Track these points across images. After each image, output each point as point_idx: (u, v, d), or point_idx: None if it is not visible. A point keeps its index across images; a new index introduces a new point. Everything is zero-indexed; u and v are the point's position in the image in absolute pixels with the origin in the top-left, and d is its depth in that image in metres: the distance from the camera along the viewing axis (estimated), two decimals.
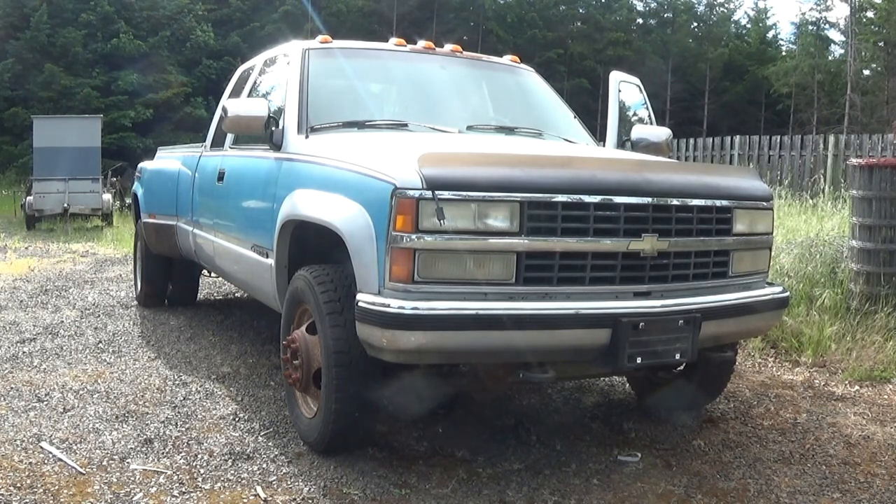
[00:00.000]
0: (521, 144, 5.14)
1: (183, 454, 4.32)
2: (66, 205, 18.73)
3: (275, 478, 4.04)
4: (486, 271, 3.67)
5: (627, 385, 5.66)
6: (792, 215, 10.83)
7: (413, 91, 5.83)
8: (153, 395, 5.33)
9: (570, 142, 5.60)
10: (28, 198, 19.24)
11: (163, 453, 4.33)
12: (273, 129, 5.15)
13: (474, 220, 3.62)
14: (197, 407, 5.12)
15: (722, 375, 5.08)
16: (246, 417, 4.93)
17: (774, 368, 6.38)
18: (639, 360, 3.87)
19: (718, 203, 4.19)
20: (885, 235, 7.06)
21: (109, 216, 19.84)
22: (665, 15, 57.31)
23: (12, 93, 34.54)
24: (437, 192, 3.56)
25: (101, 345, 6.65)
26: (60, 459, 4.19)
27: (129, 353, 6.44)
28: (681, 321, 3.95)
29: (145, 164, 8.68)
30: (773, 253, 4.85)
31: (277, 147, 5.12)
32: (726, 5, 60.37)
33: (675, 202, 3.99)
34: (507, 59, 6.53)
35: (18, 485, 3.88)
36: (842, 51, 50.04)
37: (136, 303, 8.55)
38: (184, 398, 5.29)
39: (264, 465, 4.19)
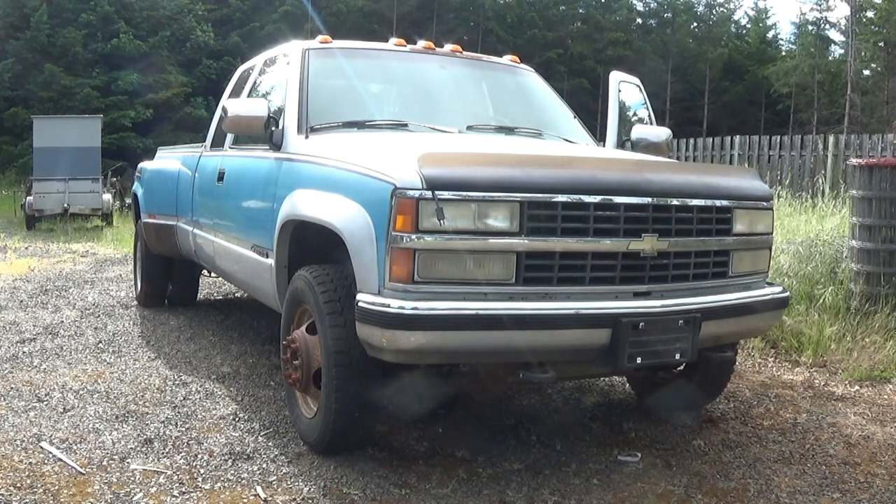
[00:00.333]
0: (520, 144, 5.14)
1: (183, 454, 4.32)
2: (66, 205, 18.74)
3: (275, 478, 4.04)
4: (486, 271, 3.67)
5: (627, 385, 5.66)
6: (792, 215, 10.83)
7: (413, 91, 5.83)
8: (153, 395, 5.33)
9: (570, 142, 5.60)
10: (28, 198, 19.24)
11: (163, 453, 4.33)
12: (273, 129, 5.15)
13: (474, 220, 3.62)
14: (197, 407, 5.12)
15: (722, 375, 5.08)
16: (246, 417, 4.93)
17: (774, 368, 6.38)
18: (639, 360, 3.87)
19: (718, 203, 4.19)
20: (885, 235, 7.06)
21: (109, 216, 19.84)
22: (665, 15, 57.33)
23: (12, 93, 34.55)
24: (437, 192, 3.56)
25: (101, 345, 6.65)
26: (60, 459, 4.19)
27: (129, 353, 6.44)
28: (681, 321, 3.95)
29: (145, 164, 8.68)
30: (773, 253, 4.84)
31: (277, 147, 5.12)
32: (726, 5, 60.43)
33: (675, 202, 3.99)
34: (506, 59, 6.53)
35: (18, 485, 3.88)
36: (842, 51, 50.08)
37: (136, 303, 8.55)
38: (184, 398, 5.29)
39: (264, 465, 4.19)
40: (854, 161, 7.54)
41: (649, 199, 3.91)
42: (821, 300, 7.24)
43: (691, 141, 18.92)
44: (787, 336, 6.85)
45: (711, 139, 18.81)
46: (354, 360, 3.95)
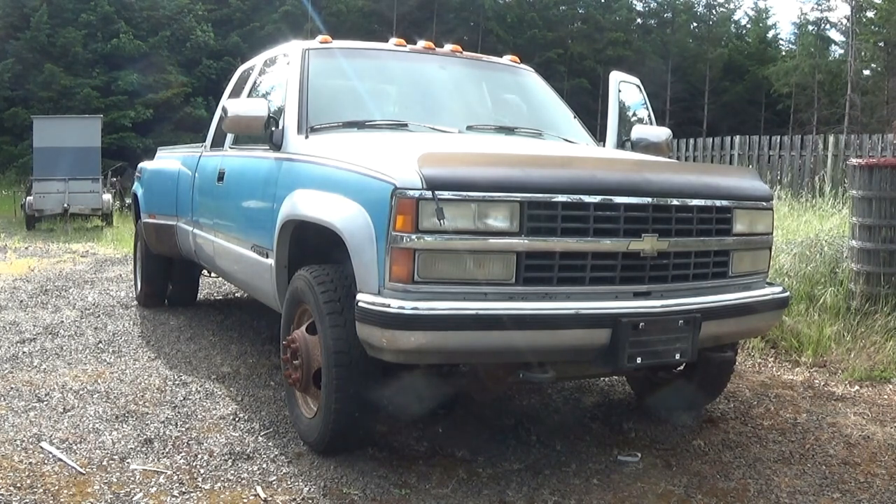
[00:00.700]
0: (520, 144, 5.14)
1: (183, 454, 4.32)
2: (66, 205, 18.74)
3: (275, 478, 4.04)
4: (486, 271, 3.67)
5: (627, 385, 5.66)
6: (792, 216, 10.82)
7: (413, 91, 5.83)
8: (153, 395, 5.33)
9: (570, 142, 5.60)
10: (28, 198, 19.24)
11: (163, 453, 4.33)
12: (273, 129, 5.15)
13: (474, 220, 3.62)
14: (197, 407, 5.12)
15: (722, 375, 5.08)
16: (246, 417, 4.93)
17: (774, 368, 6.38)
18: (639, 360, 3.87)
19: (718, 203, 4.19)
20: (885, 235, 7.06)
21: (109, 216, 19.85)
22: (665, 15, 57.33)
23: (12, 93, 34.56)
24: (437, 192, 3.56)
25: (101, 345, 6.66)
26: (60, 459, 4.19)
27: (129, 353, 6.44)
28: (681, 321, 3.95)
29: (145, 165, 8.68)
30: (773, 253, 4.85)
31: (277, 147, 5.12)
32: (726, 5, 60.45)
33: (675, 202, 3.99)
34: (506, 59, 6.53)
35: (18, 485, 3.88)
36: (842, 51, 50.10)
37: (136, 303, 8.55)
38: (184, 398, 5.29)
39: (264, 465, 4.19)
40: (854, 161, 7.55)
41: (649, 199, 3.91)
42: (821, 300, 7.25)
43: (691, 141, 18.92)
44: (787, 336, 6.85)
45: (711, 139, 18.81)
46: (354, 360, 3.95)
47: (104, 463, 4.18)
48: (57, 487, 3.87)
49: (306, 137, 4.96)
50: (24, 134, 29.99)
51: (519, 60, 6.56)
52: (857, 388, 5.85)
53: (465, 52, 6.23)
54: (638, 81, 6.89)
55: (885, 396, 5.68)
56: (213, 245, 6.30)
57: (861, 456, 4.57)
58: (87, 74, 35.49)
